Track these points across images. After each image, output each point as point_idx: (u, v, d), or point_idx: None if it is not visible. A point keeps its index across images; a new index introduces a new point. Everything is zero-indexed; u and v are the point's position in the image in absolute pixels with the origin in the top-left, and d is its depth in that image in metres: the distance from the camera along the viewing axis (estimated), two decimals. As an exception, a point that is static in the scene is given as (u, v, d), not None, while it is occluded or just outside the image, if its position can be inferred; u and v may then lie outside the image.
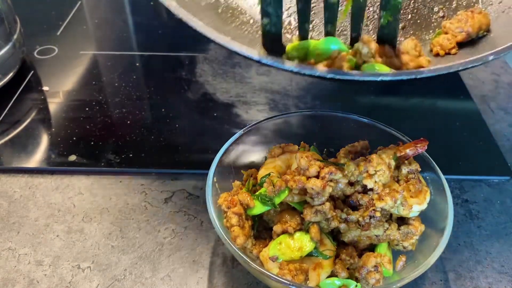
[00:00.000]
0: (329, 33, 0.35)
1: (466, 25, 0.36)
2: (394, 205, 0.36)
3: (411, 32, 0.41)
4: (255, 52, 0.33)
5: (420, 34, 0.41)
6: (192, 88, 0.62)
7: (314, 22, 0.43)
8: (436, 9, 0.41)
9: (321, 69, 0.32)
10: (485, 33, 0.37)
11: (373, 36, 0.38)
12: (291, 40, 0.36)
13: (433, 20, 0.41)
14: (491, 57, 0.32)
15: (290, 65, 0.32)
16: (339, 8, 0.34)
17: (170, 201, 0.47)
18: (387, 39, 0.34)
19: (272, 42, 0.35)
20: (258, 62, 0.32)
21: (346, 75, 0.32)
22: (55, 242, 0.43)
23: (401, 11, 0.35)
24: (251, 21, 0.41)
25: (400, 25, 0.41)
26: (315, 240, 0.36)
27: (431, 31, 0.41)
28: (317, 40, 0.36)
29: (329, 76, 0.32)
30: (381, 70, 0.33)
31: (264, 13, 0.33)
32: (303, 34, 0.35)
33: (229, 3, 0.41)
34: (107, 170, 0.50)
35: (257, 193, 0.38)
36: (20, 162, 0.51)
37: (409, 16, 0.41)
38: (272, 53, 0.34)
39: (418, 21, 0.41)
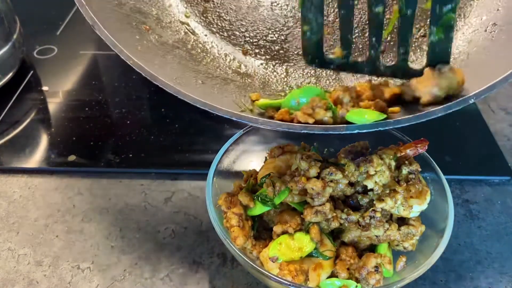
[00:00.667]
0: (374, 47, 0.32)
1: (434, 88, 0.32)
2: (394, 205, 0.36)
3: (391, 55, 0.40)
4: (224, 110, 0.32)
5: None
6: (192, 88, 0.62)
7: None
8: (417, 26, 0.39)
9: (285, 125, 0.31)
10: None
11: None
12: (334, 52, 0.34)
13: (414, 40, 0.39)
14: (472, 100, 0.30)
15: (260, 123, 0.31)
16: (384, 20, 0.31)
17: (170, 201, 0.47)
18: (439, 59, 0.31)
19: (313, 50, 0.33)
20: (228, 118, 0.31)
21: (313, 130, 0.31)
22: (55, 242, 0.43)
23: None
24: (223, 54, 0.39)
25: (381, 48, 0.39)
26: (315, 241, 0.36)
27: (411, 53, 0.38)
28: (283, 97, 0.34)
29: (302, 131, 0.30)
30: (370, 117, 0.31)
31: (304, 20, 0.31)
32: (347, 47, 0.33)
33: (198, 36, 0.39)
34: (107, 170, 0.50)
35: (257, 193, 0.38)
36: (19, 162, 0.51)
37: (388, 37, 0.39)
38: (313, 62, 0.33)
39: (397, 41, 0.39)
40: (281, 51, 0.40)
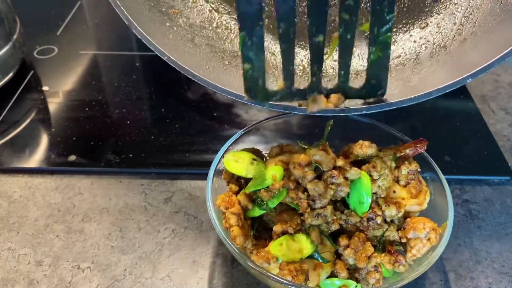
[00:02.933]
0: (315, 74, 0.33)
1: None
2: (396, 215, 0.36)
3: (404, 21, 0.40)
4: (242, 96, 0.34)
5: (413, 22, 0.39)
6: (192, 88, 0.62)
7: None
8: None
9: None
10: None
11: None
12: (276, 85, 0.34)
13: (427, 4, 0.39)
14: (468, 80, 0.32)
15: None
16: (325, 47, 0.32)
17: (170, 201, 0.47)
18: (377, 75, 0.33)
19: (256, 88, 0.33)
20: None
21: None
22: (55, 242, 0.43)
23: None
24: None
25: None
26: (316, 243, 0.36)
27: (423, 18, 0.39)
28: None
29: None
30: None
31: (245, 58, 0.31)
32: (288, 78, 0.33)
33: (222, 13, 0.40)
34: (107, 170, 0.50)
35: (254, 196, 0.38)
36: (20, 162, 0.51)
37: (401, 4, 0.40)
38: (256, 98, 0.33)
39: (411, 7, 0.39)
40: (299, 24, 0.40)
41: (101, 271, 0.41)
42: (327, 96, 0.34)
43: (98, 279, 0.40)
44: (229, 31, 0.40)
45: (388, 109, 0.34)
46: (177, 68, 0.34)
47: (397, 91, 0.35)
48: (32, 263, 0.42)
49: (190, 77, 0.35)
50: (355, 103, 0.36)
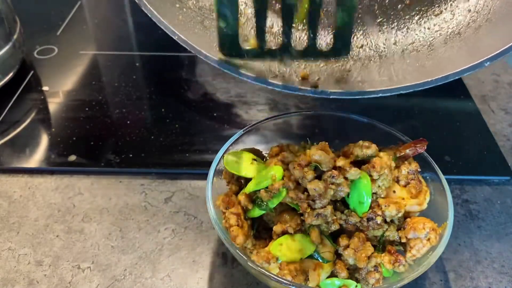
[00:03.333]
0: (287, 34, 0.35)
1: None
2: (396, 215, 0.36)
3: (417, 9, 0.40)
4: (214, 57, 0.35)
5: (426, 10, 0.40)
6: (192, 88, 0.62)
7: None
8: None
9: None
10: None
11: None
12: (249, 43, 0.36)
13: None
14: (486, 63, 0.32)
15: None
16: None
17: (170, 201, 0.47)
18: (341, 41, 0.35)
19: (230, 45, 0.35)
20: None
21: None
22: (55, 242, 0.43)
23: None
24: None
25: (407, 2, 0.40)
26: (316, 243, 0.36)
27: (437, 6, 0.40)
28: None
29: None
30: None
31: (220, 15, 0.33)
32: (260, 36, 0.35)
33: None
34: (107, 170, 0.50)
35: (254, 196, 0.38)
36: (20, 162, 0.51)
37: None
38: (230, 55, 0.35)
39: None
40: None
41: (101, 271, 0.41)
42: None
43: (98, 279, 0.40)
44: (239, 15, 0.41)
45: (405, 92, 0.35)
46: (187, 48, 0.36)
47: (412, 76, 0.36)
48: (32, 263, 0.42)
49: (202, 58, 0.36)
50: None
